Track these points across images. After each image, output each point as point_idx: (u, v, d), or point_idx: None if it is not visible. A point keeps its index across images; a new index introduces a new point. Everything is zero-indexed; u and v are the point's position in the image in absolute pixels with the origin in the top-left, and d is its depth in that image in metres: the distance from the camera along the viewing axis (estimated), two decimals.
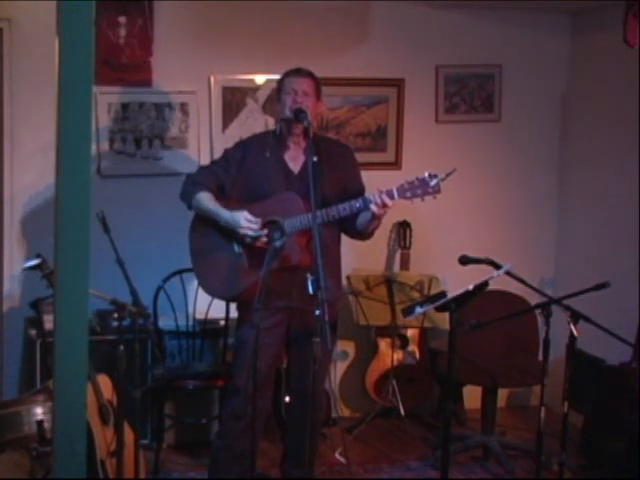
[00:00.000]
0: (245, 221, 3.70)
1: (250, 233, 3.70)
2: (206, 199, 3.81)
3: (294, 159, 3.86)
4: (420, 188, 3.59)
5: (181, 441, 4.81)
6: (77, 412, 1.63)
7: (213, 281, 3.88)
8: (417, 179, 3.60)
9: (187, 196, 3.88)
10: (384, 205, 3.57)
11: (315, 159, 3.67)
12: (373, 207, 3.58)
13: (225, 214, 3.75)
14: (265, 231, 3.70)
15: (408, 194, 3.60)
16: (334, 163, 3.85)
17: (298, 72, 3.83)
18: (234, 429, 3.88)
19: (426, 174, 3.61)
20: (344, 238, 3.98)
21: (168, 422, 4.68)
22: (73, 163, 1.59)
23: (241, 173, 3.87)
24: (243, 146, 4.00)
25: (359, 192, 3.88)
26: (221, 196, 3.86)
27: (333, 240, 3.86)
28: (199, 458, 4.62)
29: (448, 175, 3.58)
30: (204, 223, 3.86)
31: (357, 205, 3.63)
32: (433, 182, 3.58)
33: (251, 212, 3.75)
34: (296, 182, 3.80)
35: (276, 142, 3.88)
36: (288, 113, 3.75)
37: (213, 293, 3.98)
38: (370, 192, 3.93)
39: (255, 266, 3.71)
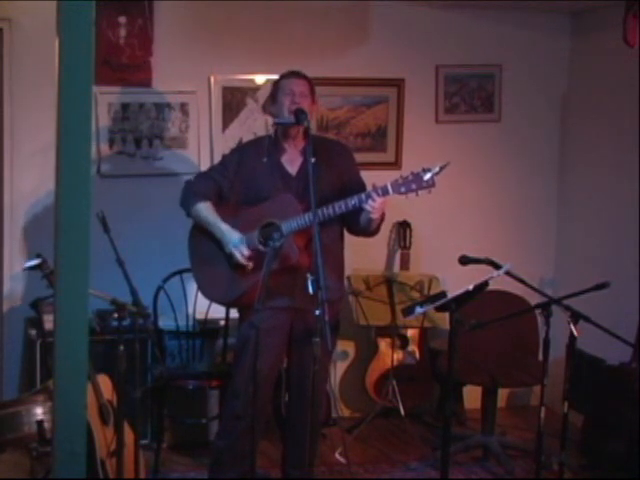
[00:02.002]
0: (234, 247, 3.73)
1: (237, 256, 3.73)
2: (204, 210, 3.84)
3: (291, 162, 3.87)
4: (414, 183, 3.59)
5: (181, 441, 4.80)
6: (77, 412, 1.63)
7: (212, 286, 3.89)
8: (411, 174, 3.61)
9: (186, 205, 3.91)
10: (379, 207, 3.61)
11: (313, 160, 3.68)
12: (368, 207, 3.60)
13: (221, 228, 3.79)
14: (251, 264, 3.73)
15: (402, 189, 3.60)
16: (331, 163, 3.85)
17: (295, 74, 3.86)
18: (235, 429, 3.88)
19: (420, 169, 3.61)
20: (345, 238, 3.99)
21: (168, 422, 4.68)
22: (73, 163, 1.59)
23: (239, 179, 3.88)
24: (240, 152, 4.04)
25: (360, 189, 3.88)
26: (220, 202, 3.88)
27: (333, 240, 3.86)
28: (199, 458, 4.62)
29: (442, 168, 3.58)
30: (203, 230, 3.88)
31: (352, 202, 3.64)
32: (427, 176, 3.58)
33: (249, 215, 3.77)
34: (294, 184, 3.81)
35: (272, 146, 3.89)
36: (287, 114, 3.76)
37: (212, 298, 4.00)
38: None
39: (253, 270, 3.72)
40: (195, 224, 3.94)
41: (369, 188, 3.74)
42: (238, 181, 3.89)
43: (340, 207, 3.64)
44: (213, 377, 4.45)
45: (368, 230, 3.84)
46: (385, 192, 3.60)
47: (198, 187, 3.92)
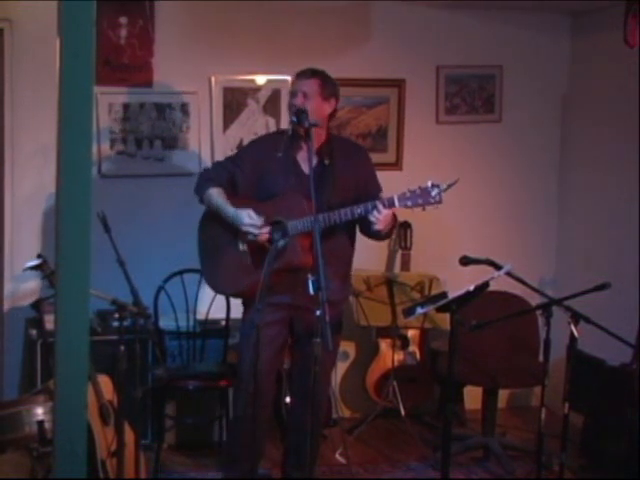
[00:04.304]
0: (247, 218, 3.72)
1: (251, 230, 3.72)
2: (215, 195, 3.85)
3: (306, 160, 3.85)
4: (421, 197, 3.57)
5: (181, 441, 4.80)
6: (78, 412, 1.63)
7: (217, 277, 3.90)
8: (419, 188, 3.58)
9: (200, 190, 3.92)
10: (384, 219, 3.60)
11: (327, 162, 3.68)
12: (372, 218, 3.60)
13: (230, 210, 3.78)
14: (267, 229, 3.71)
15: (409, 203, 3.58)
16: (347, 165, 3.84)
17: (300, 73, 3.84)
18: (239, 428, 3.90)
19: (429, 183, 3.57)
20: None
21: (168, 422, 4.68)
22: (74, 163, 1.59)
23: (254, 172, 3.88)
24: (257, 145, 4.02)
25: (376, 192, 3.88)
26: (233, 193, 3.88)
27: (341, 243, 3.85)
28: (199, 458, 4.62)
29: (450, 186, 3.55)
30: (212, 219, 3.89)
31: (358, 211, 3.63)
32: (434, 192, 3.56)
33: (257, 211, 3.76)
34: (307, 183, 3.79)
35: (289, 142, 3.87)
36: (289, 113, 3.78)
37: (217, 288, 3.99)
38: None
39: (259, 264, 3.72)
40: (205, 213, 3.94)
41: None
42: (253, 174, 3.88)
43: (346, 214, 3.64)
44: (213, 377, 4.44)
45: (378, 236, 3.85)
46: (391, 204, 3.59)
47: (213, 174, 3.94)
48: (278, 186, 3.81)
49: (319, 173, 3.71)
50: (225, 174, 3.91)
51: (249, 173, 3.89)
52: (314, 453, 3.91)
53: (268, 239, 3.70)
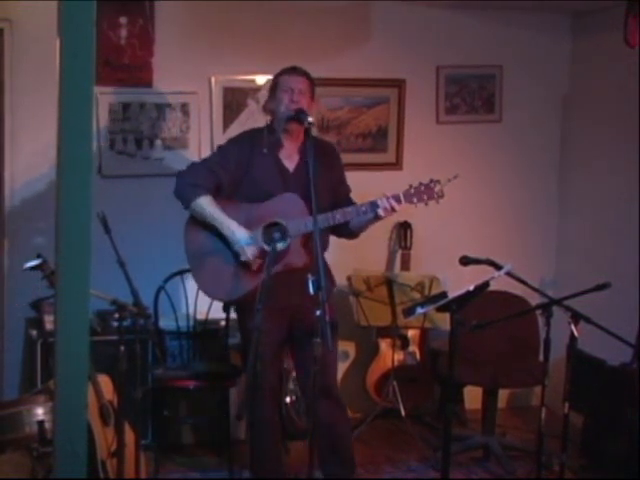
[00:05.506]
0: (246, 242, 3.70)
1: (248, 256, 3.71)
2: (207, 205, 3.76)
3: (288, 158, 3.86)
4: (425, 193, 3.69)
5: (181, 441, 4.80)
6: (78, 412, 1.63)
7: (213, 283, 3.84)
8: (421, 184, 3.69)
9: (185, 198, 3.81)
10: (392, 209, 3.67)
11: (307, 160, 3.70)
12: (381, 212, 3.64)
13: (229, 227, 3.73)
14: (259, 261, 3.70)
15: (414, 199, 3.70)
16: (324, 164, 3.83)
17: (294, 70, 3.83)
18: (254, 429, 3.96)
19: (429, 179, 3.70)
20: (343, 240, 4.01)
21: (168, 422, 4.67)
22: (74, 163, 1.59)
23: (238, 171, 3.82)
24: (237, 144, 3.93)
25: (346, 192, 3.98)
26: (219, 195, 3.83)
27: (323, 241, 3.86)
28: (199, 458, 4.62)
29: (449, 180, 3.68)
30: (200, 223, 3.82)
31: (363, 209, 3.70)
32: (437, 187, 3.68)
33: (252, 213, 3.75)
34: (292, 181, 3.80)
35: (270, 139, 3.86)
36: (283, 110, 3.75)
37: (214, 295, 3.96)
38: (369, 193, 3.93)
39: (258, 269, 3.71)
40: (191, 218, 3.86)
41: (369, 191, 3.75)
42: (237, 173, 3.82)
43: (351, 213, 3.69)
44: (213, 377, 4.44)
45: (355, 234, 3.93)
46: (398, 201, 3.68)
47: (198, 179, 3.81)
48: (266, 185, 3.79)
49: (304, 172, 3.67)
50: (211, 177, 3.81)
51: (234, 172, 3.82)
52: (350, 450, 4.04)
53: (259, 267, 3.69)
